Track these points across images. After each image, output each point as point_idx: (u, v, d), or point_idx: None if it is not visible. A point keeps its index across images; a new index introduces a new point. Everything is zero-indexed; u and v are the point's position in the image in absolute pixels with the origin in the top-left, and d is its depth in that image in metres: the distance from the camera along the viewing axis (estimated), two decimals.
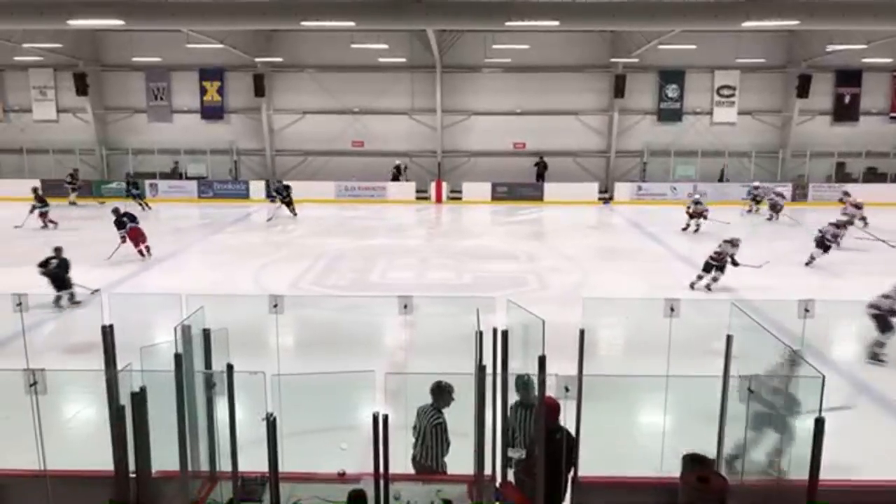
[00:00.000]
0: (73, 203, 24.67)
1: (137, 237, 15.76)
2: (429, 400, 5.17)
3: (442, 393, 5.07)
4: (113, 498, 4.42)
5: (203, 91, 27.52)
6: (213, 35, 22.52)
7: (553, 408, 4.69)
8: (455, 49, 26.02)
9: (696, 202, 19.70)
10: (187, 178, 27.43)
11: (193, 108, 27.72)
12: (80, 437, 7.14)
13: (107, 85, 27.74)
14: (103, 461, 4.37)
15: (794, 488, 4.05)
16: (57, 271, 12.07)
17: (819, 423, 3.75)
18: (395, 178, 27.26)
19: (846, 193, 21.34)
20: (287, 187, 22.39)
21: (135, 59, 25.41)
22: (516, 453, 4.80)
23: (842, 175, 26.96)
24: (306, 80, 27.21)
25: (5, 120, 27.91)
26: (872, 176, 26.80)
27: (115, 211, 16.09)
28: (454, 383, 5.04)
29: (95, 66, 27.03)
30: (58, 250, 12.43)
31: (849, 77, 26.41)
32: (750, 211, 23.20)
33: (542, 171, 27.21)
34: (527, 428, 4.88)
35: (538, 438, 4.38)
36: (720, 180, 26.86)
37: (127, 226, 15.73)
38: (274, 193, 22.10)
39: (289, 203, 22.12)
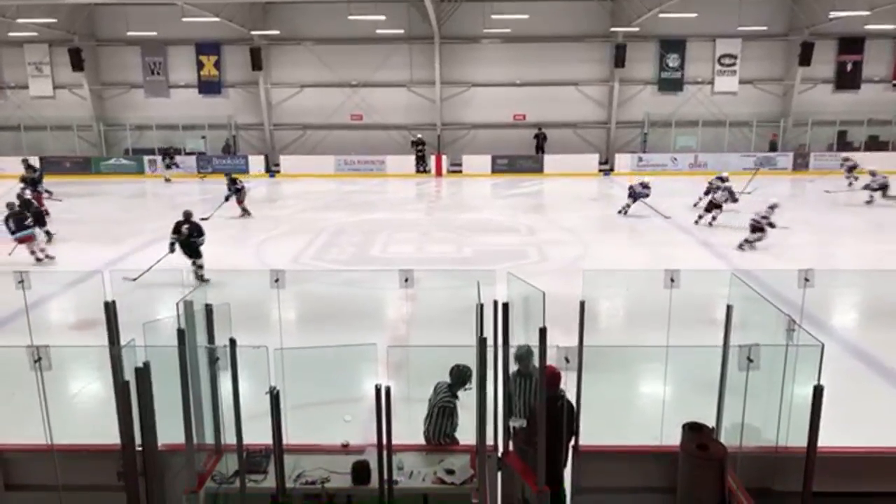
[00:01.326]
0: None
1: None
2: (434, 373, 5.18)
3: (458, 378, 5.05)
4: (120, 470, 4.48)
5: (200, 65, 27.29)
6: (209, 8, 22.28)
7: (554, 376, 4.72)
8: (453, 19, 25.74)
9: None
10: (186, 153, 27.31)
11: (191, 83, 27.52)
12: (86, 412, 7.22)
13: (103, 60, 27.51)
14: (110, 435, 4.42)
15: (792, 455, 4.10)
16: (188, 239, 11.95)
17: (817, 391, 3.78)
18: (419, 154, 26.75)
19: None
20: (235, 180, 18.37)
21: (130, 33, 25.13)
22: (518, 422, 4.85)
23: (843, 144, 26.82)
24: (304, 52, 26.96)
25: (2, 97, 27.75)
26: (874, 144, 26.65)
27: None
28: (455, 356, 5.06)
29: (90, 40, 26.79)
30: (187, 213, 12.38)
31: (851, 44, 26.13)
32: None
33: (541, 143, 27.08)
34: (526, 397, 4.93)
35: (539, 409, 4.42)
36: (772, 150, 26.64)
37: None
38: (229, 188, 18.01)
39: (240, 200, 18.10)
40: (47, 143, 27.25)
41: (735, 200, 16.65)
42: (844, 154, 23.43)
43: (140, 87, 27.68)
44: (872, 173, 19.23)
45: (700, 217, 16.67)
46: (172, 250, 11.95)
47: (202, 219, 16.83)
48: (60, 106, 27.48)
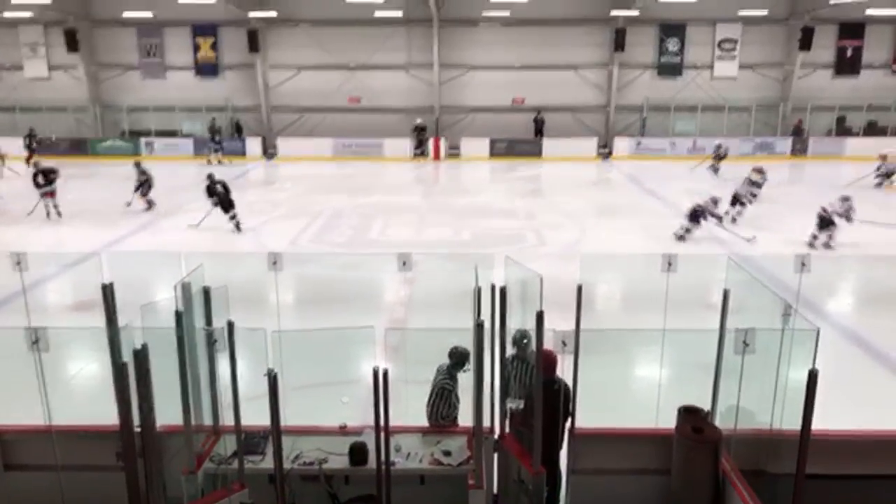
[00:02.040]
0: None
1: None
2: (431, 355, 5.20)
3: (457, 360, 5.09)
4: (119, 451, 4.50)
5: (196, 47, 27.09)
6: None
7: (551, 360, 4.74)
8: (452, 2, 25.54)
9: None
10: (183, 135, 27.19)
11: (187, 65, 27.32)
12: (84, 394, 7.24)
13: (98, 41, 27.29)
14: (109, 416, 4.43)
15: (787, 438, 4.13)
16: (226, 195, 14.39)
17: (812, 375, 3.80)
18: (419, 140, 25.97)
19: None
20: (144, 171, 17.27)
21: (126, 14, 24.94)
22: (514, 404, 4.88)
23: (842, 129, 26.77)
24: (301, 34, 26.76)
25: None
26: (873, 130, 26.59)
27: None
28: (453, 339, 5.08)
29: (86, 21, 26.55)
30: (211, 176, 14.60)
31: (852, 29, 26.00)
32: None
33: (540, 127, 26.97)
34: (523, 380, 4.95)
35: (536, 392, 4.44)
36: (795, 134, 26.45)
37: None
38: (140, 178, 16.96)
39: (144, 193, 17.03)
40: (43, 124, 27.08)
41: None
42: (718, 141, 22.85)
43: (136, 69, 27.48)
44: (760, 170, 17.75)
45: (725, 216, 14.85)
46: (215, 205, 14.40)
47: (127, 203, 16.94)
48: (56, 87, 27.29)
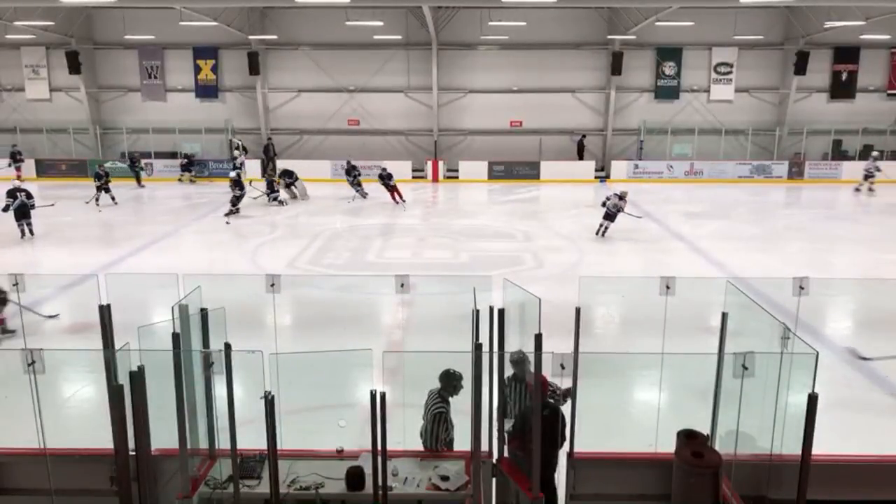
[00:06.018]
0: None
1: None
2: (429, 378, 5.18)
3: (448, 381, 5.04)
4: (113, 475, 4.46)
5: (197, 69, 27.27)
6: (207, 12, 22.27)
7: (540, 384, 4.71)
8: (451, 26, 25.80)
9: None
10: (184, 156, 27.24)
11: (188, 87, 27.49)
12: (79, 416, 7.18)
13: (100, 63, 27.47)
14: (103, 439, 4.40)
15: (787, 463, 4.10)
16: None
17: (812, 399, 3.79)
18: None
19: None
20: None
21: (128, 36, 25.12)
22: (507, 423, 4.85)
23: (838, 152, 26.92)
24: (301, 58, 26.98)
25: None
26: (868, 153, 26.68)
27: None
28: (450, 362, 5.05)
29: (88, 44, 26.75)
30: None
31: (847, 54, 26.26)
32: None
33: (581, 150, 27.09)
34: (521, 402, 4.92)
35: (535, 418, 4.41)
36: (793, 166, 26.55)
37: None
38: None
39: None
40: (43, 145, 27.19)
41: None
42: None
43: (137, 91, 27.63)
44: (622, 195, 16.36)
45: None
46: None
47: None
48: (57, 109, 27.43)
